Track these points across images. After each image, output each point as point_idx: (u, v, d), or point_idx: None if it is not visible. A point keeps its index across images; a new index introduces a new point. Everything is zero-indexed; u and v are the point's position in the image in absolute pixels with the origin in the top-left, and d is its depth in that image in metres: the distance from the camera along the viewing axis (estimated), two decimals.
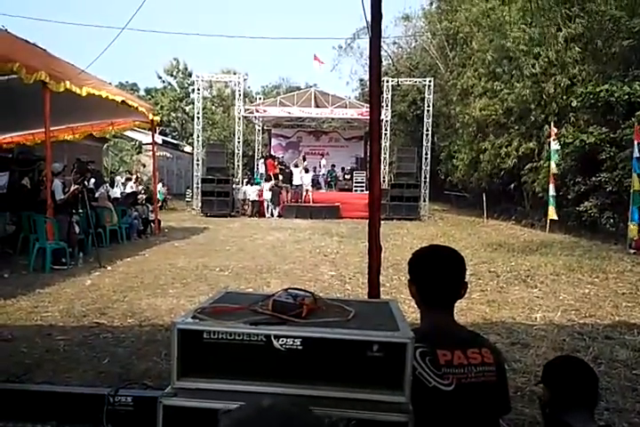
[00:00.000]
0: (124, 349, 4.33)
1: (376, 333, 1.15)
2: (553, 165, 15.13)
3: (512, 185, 19.37)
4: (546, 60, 16.56)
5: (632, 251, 10.46)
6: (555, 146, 15.07)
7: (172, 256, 9.39)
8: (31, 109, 8.35)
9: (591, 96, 13.74)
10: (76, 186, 8.69)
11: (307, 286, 6.97)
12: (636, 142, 11.10)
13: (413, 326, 1.40)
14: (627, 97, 12.84)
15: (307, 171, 20.74)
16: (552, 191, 14.98)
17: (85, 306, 5.67)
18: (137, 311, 5.49)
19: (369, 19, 3.06)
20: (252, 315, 1.24)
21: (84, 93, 8.53)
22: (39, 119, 8.15)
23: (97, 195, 10.98)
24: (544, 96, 16.83)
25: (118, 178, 17.46)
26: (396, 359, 1.11)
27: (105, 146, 24.95)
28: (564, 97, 15.89)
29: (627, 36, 13.88)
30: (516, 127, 18.72)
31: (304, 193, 20.23)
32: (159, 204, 17.41)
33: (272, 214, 19.47)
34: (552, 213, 14.82)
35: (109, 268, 8.12)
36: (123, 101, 10.14)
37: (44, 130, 8.33)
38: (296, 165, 20.92)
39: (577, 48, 15.88)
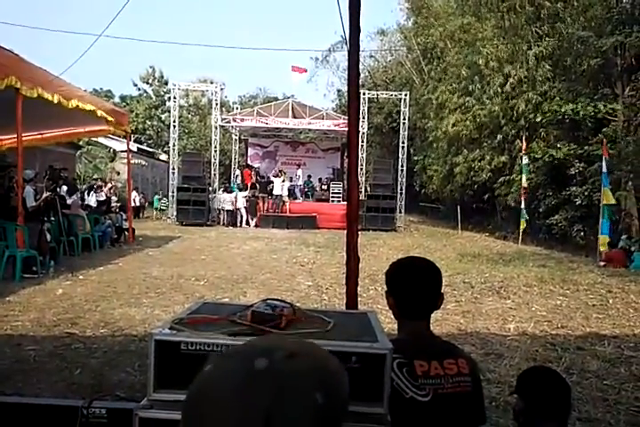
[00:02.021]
0: (97, 359, 4.24)
1: (355, 344, 1.15)
2: (524, 178, 15.47)
3: (485, 197, 19.71)
4: (517, 77, 16.97)
5: (602, 263, 10.71)
6: (525, 160, 15.43)
7: (147, 265, 9.26)
8: (2, 115, 8.20)
9: (557, 114, 14.14)
10: (48, 193, 8.54)
11: (284, 296, 6.94)
12: (604, 158, 11.44)
13: (391, 337, 1.41)
14: (593, 114, 13.25)
15: (284, 180, 20.74)
16: (523, 204, 15.29)
17: (57, 315, 5.54)
18: (110, 321, 5.39)
19: (347, 33, 3.10)
20: (231, 326, 1.23)
21: (55, 101, 8.38)
22: (10, 125, 8.01)
23: (69, 202, 10.80)
24: (514, 112, 17.23)
25: (93, 185, 17.20)
26: (374, 371, 1.12)
27: (78, 153, 24.57)
28: (535, 113, 16.30)
29: (595, 55, 14.33)
30: (489, 142, 19.11)
31: (281, 203, 20.20)
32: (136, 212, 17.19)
33: (249, 224, 19.38)
34: (524, 226, 15.10)
35: (81, 277, 7.96)
36: (92, 110, 9.92)
37: (14, 136, 8.19)
38: (276, 175, 20.89)
39: (547, 66, 16.34)
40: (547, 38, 16.37)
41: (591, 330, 5.62)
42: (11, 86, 7.28)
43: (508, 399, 3.33)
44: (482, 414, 1.60)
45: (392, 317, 1.66)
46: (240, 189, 20.48)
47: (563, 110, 13.96)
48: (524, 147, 15.54)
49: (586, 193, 13.41)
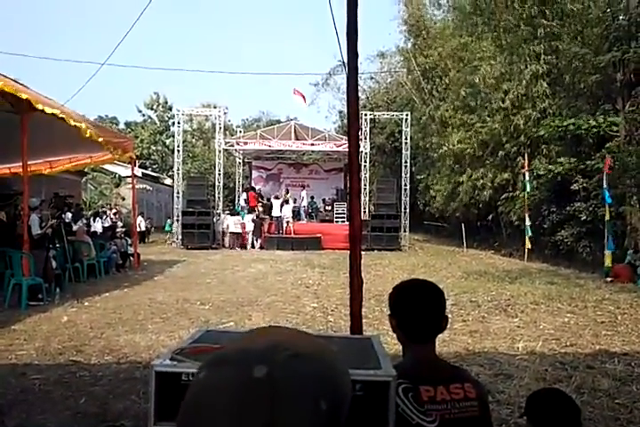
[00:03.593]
0: (102, 387, 4.22)
1: (358, 371, 1.14)
2: (527, 195, 15.48)
3: (490, 214, 19.68)
4: (515, 94, 17.11)
5: (609, 279, 10.62)
6: (528, 177, 15.46)
7: (152, 290, 9.25)
8: (8, 143, 8.30)
9: (559, 129, 14.20)
10: (53, 220, 8.59)
11: (289, 318, 6.91)
12: (604, 173, 11.45)
13: (396, 361, 1.40)
14: (595, 130, 13.28)
15: (287, 202, 20.79)
16: (528, 221, 15.26)
17: (62, 343, 5.53)
18: (115, 348, 5.37)
19: (345, 58, 3.15)
20: None
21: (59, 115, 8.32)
22: (16, 153, 8.09)
23: (75, 228, 10.85)
24: (514, 129, 17.33)
25: (99, 211, 17.31)
26: (378, 398, 1.11)
27: (84, 179, 24.78)
28: (535, 129, 16.38)
29: (593, 72, 14.46)
30: (491, 159, 19.16)
31: (285, 224, 20.23)
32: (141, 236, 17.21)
33: (253, 246, 19.39)
34: (529, 243, 15.05)
35: (87, 303, 7.95)
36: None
37: (20, 164, 8.27)
38: (276, 197, 20.99)
39: (545, 83, 16.48)
40: (544, 56, 16.56)
41: (601, 347, 5.55)
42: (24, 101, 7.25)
43: (518, 421, 3.28)
44: None
45: None
46: (246, 212, 20.57)
47: (565, 124, 14.02)
48: (525, 163, 15.59)
49: (590, 208, 13.38)
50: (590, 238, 13.55)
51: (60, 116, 7.77)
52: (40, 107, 7.41)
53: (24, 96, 7.11)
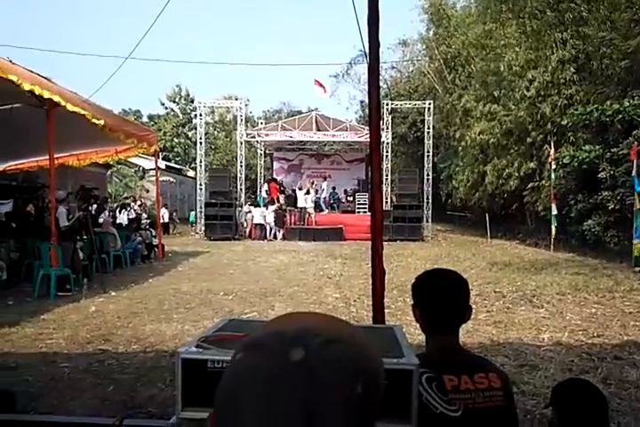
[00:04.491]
0: (129, 375, 4.30)
1: None
2: (552, 184, 15.20)
3: (515, 204, 19.39)
4: (541, 81, 16.74)
5: (637, 269, 10.39)
6: (554, 165, 15.17)
7: (176, 281, 9.38)
8: (36, 137, 8.45)
9: (583, 116, 13.85)
10: (80, 213, 8.75)
11: (311, 309, 6.94)
12: (634, 161, 11.17)
13: (419, 351, 1.39)
14: (620, 116, 12.91)
15: (308, 193, 20.82)
16: (554, 210, 15.00)
17: (90, 332, 5.65)
18: (141, 337, 5.47)
19: (366, 47, 3.12)
20: None
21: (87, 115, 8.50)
22: (43, 147, 8.24)
23: (101, 220, 11.03)
24: (540, 117, 16.98)
25: (124, 203, 17.62)
26: (401, 387, 1.11)
27: (109, 172, 25.17)
28: (562, 117, 16.03)
29: (622, 57, 14.06)
30: (516, 148, 18.83)
31: (306, 215, 20.27)
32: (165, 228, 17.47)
33: (275, 237, 19.50)
34: (555, 233, 14.81)
35: (113, 293, 8.11)
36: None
37: (47, 157, 8.42)
38: (300, 188, 21.02)
39: (572, 69, 16.08)
40: (571, 41, 16.15)
41: (629, 338, 5.44)
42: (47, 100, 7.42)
43: (543, 412, 3.24)
44: None
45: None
46: (268, 203, 20.66)
47: (588, 110, 13.68)
48: (552, 152, 15.29)
49: (618, 197, 13.07)
50: (618, 228, 13.25)
51: (82, 113, 7.94)
52: (63, 104, 7.57)
53: (47, 95, 7.25)
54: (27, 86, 6.86)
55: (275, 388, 0.52)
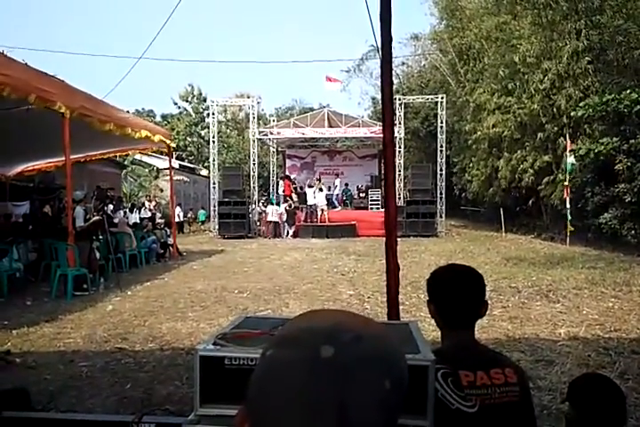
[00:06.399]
0: (146, 373, 4.35)
1: None
2: (567, 177, 15.03)
3: (530, 198, 19.20)
4: (555, 72, 16.54)
5: None
6: (570, 158, 14.98)
7: (191, 279, 9.44)
8: (51, 138, 8.55)
9: (599, 107, 13.66)
10: (96, 217, 8.85)
11: (325, 305, 6.95)
12: None
13: (434, 347, 1.39)
14: (638, 107, 12.72)
15: (321, 190, 20.82)
16: (569, 204, 14.84)
17: (107, 331, 5.72)
18: (157, 336, 5.52)
19: (379, 42, 3.11)
20: None
21: (106, 128, 8.73)
22: (59, 148, 8.34)
23: (116, 220, 11.14)
24: (555, 109, 16.78)
25: (139, 203, 17.80)
26: (417, 383, 1.11)
27: (124, 172, 25.39)
28: (576, 109, 15.82)
29: (638, 46, 13.85)
30: (531, 141, 18.62)
31: (319, 212, 20.26)
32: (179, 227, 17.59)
33: (287, 234, 19.53)
34: (570, 226, 14.65)
35: (130, 292, 8.19)
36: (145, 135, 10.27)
37: (63, 159, 8.52)
38: (310, 186, 21.02)
39: (586, 60, 15.86)
40: (585, 31, 15.92)
41: None
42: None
43: (560, 407, 3.22)
44: (532, 424, 1.55)
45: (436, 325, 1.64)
46: (281, 201, 20.70)
47: (604, 100, 13.49)
48: (568, 144, 15.10)
49: (635, 189, 12.88)
50: (635, 220, 13.07)
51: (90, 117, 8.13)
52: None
53: (62, 110, 7.43)
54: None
55: (307, 383, 0.53)
